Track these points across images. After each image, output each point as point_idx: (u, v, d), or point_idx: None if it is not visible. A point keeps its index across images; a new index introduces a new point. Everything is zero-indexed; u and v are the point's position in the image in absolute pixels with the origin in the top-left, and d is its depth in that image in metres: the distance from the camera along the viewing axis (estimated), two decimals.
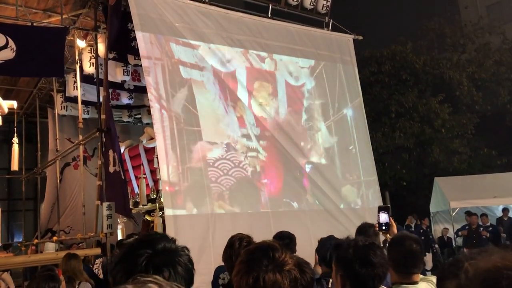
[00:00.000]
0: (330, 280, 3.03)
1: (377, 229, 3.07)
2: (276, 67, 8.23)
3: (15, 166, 7.67)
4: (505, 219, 12.22)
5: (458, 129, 15.76)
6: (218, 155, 6.97)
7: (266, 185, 7.25)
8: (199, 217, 6.32)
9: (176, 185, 6.18)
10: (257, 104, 7.66)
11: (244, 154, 7.21)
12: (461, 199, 12.15)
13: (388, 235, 3.01)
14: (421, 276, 2.52)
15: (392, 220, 3.07)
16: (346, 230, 7.10)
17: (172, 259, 1.24)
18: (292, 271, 1.46)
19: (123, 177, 6.59)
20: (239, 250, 2.57)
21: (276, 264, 1.45)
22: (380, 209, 3.13)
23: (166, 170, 6.16)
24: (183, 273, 1.24)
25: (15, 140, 7.75)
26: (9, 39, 6.17)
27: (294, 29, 8.73)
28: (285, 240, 3.70)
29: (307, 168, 7.91)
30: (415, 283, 2.41)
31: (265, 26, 8.26)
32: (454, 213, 12.32)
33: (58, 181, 10.20)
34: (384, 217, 3.06)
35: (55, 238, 8.46)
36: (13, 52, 6.14)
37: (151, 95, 6.46)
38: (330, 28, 9.41)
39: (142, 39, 6.54)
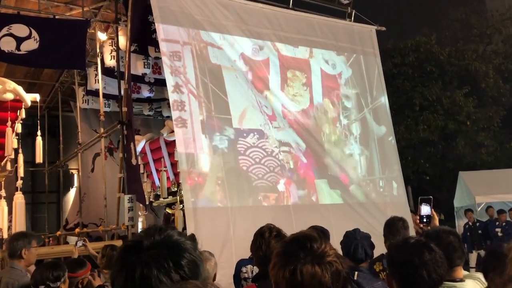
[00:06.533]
0: (356, 273, 2.94)
1: (418, 221, 2.91)
2: (311, 54, 8.14)
3: (38, 158, 7.77)
4: None
5: (483, 122, 15.39)
6: (245, 147, 6.94)
7: (289, 177, 7.17)
8: (219, 210, 6.28)
9: (196, 176, 6.15)
10: (290, 95, 7.58)
11: (271, 146, 7.14)
12: (487, 193, 11.83)
13: (429, 228, 2.86)
14: (465, 272, 2.40)
15: (434, 213, 2.92)
16: (368, 224, 6.97)
17: (161, 255, 1.09)
18: (334, 263, 1.35)
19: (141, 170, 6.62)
20: (269, 239, 2.50)
21: (314, 256, 1.35)
22: (422, 200, 2.95)
23: (186, 160, 6.13)
24: (182, 264, 1.10)
25: (39, 132, 7.84)
26: (32, 30, 6.21)
27: (316, 20, 8.56)
28: None
29: (332, 161, 7.78)
30: (461, 280, 2.28)
31: (285, 18, 8.13)
32: (479, 208, 12.01)
33: (90, 170, 10.29)
34: (426, 209, 2.90)
35: (77, 230, 8.56)
36: (37, 42, 6.18)
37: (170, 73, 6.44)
38: (352, 19, 9.22)
39: (162, 31, 6.50)
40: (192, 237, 1.26)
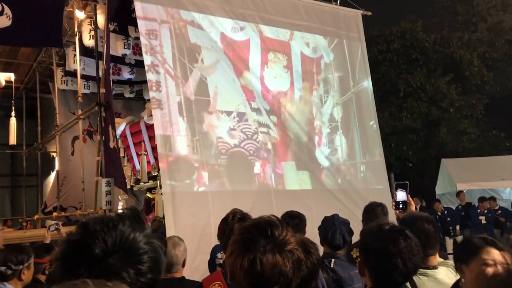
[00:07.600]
0: (333, 260, 2.87)
1: (394, 207, 2.83)
2: (292, 36, 8.01)
3: (13, 140, 7.56)
4: None
5: (467, 110, 15.48)
6: (224, 129, 6.81)
7: (270, 162, 7.08)
8: (198, 194, 6.16)
9: (175, 159, 6.01)
10: (271, 77, 7.45)
11: (251, 129, 7.03)
12: (468, 181, 11.96)
13: (405, 214, 2.78)
14: (439, 259, 2.34)
15: (411, 198, 2.84)
16: (349, 211, 6.93)
17: (120, 267, 0.93)
18: (295, 251, 1.26)
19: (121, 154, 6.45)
20: (232, 223, 2.41)
21: (275, 244, 1.25)
22: (398, 186, 2.87)
23: (163, 142, 5.98)
24: (144, 271, 0.95)
25: (13, 113, 7.62)
26: (4, 6, 5.95)
27: (301, 3, 8.40)
28: (295, 219, 3.46)
29: (314, 147, 7.70)
30: (434, 267, 2.22)
31: (270, 0, 7.97)
32: None
33: (70, 153, 10.07)
34: (402, 195, 2.81)
35: (55, 214, 8.38)
36: (9, 19, 5.93)
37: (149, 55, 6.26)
38: (338, 2, 9.08)
39: (141, 9, 6.29)
40: (136, 214, 1.08)
